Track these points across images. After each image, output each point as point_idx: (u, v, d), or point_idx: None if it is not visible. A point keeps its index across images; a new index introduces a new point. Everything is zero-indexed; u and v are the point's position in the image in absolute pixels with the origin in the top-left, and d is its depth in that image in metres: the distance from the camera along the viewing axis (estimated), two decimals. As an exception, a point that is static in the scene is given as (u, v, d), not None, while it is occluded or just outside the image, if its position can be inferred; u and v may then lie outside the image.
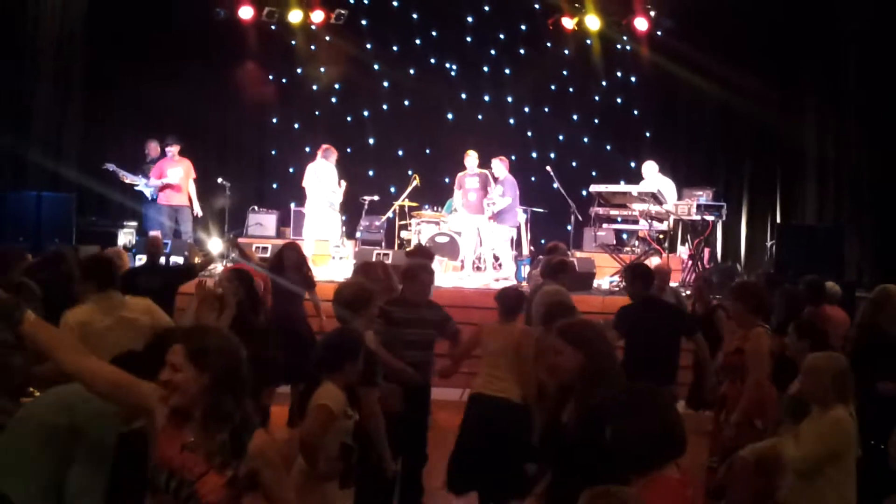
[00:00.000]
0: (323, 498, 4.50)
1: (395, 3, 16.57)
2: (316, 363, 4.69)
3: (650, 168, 13.68)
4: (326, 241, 13.43)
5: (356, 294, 5.41)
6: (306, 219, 13.45)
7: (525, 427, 5.73)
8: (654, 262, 12.89)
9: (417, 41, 16.75)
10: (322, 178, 13.20)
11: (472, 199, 13.20)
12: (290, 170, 16.22)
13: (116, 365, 3.40)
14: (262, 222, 14.91)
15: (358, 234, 14.31)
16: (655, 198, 12.63)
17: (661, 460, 3.12)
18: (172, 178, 13.51)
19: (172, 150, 13.66)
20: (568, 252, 10.57)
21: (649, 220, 12.81)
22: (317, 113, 16.51)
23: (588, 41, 16.35)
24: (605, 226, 13.86)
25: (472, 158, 13.31)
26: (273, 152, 16.71)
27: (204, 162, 15.68)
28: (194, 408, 3.13)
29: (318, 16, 15.97)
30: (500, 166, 13.34)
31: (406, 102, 16.55)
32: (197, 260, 12.27)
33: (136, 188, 13.68)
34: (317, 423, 4.44)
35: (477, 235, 13.43)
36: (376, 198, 14.30)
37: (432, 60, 16.74)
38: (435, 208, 14.66)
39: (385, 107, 16.53)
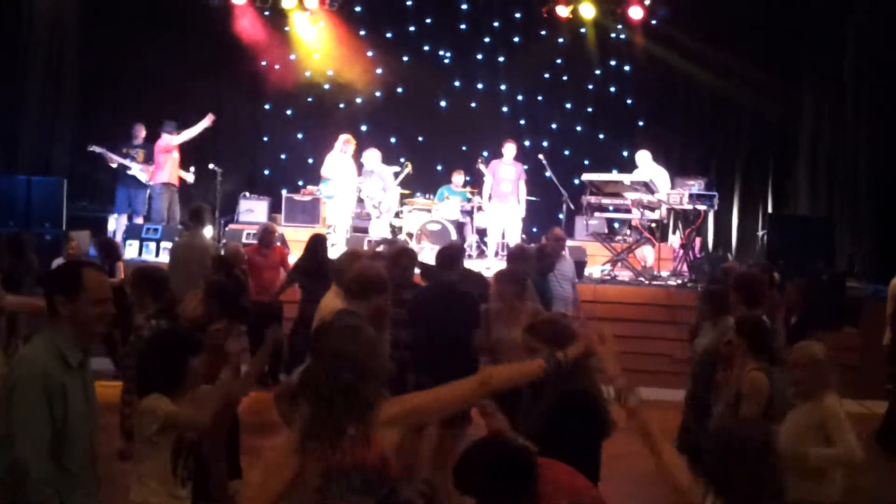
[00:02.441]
0: None
1: (389, -10, 16.53)
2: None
3: (644, 157, 13.65)
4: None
5: (351, 281, 5.46)
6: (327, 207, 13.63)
7: None
8: (646, 251, 12.97)
9: (411, 28, 16.68)
10: (340, 171, 13.27)
11: (507, 189, 13.28)
12: (282, 156, 16.19)
13: None
14: (254, 209, 14.85)
15: (350, 222, 14.26)
16: (647, 187, 12.61)
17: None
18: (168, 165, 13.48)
19: (171, 137, 13.57)
20: (562, 238, 10.51)
21: (641, 210, 12.79)
22: (309, 99, 16.46)
23: (582, 29, 16.33)
24: (597, 215, 13.82)
25: (511, 148, 13.39)
26: (265, 139, 16.66)
27: (196, 147, 15.63)
28: None
29: (311, 1, 15.92)
30: (373, 157, 13.44)
31: (399, 89, 16.46)
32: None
33: (128, 172, 13.61)
34: None
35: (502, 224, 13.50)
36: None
37: (426, 47, 16.68)
38: (427, 196, 14.64)
39: (378, 94, 16.45)
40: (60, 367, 3.50)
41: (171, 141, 13.47)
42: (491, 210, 13.51)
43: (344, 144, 13.36)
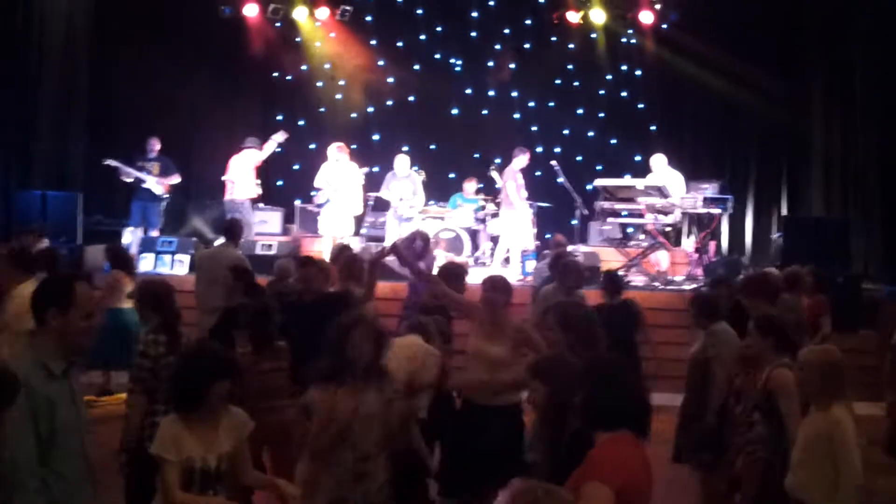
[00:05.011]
0: None
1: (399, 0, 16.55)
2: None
3: (659, 161, 13.63)
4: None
5: None
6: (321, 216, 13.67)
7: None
8: (661, 255, 12.94)
9: (422, 37, 16.69)
10: (332, 179, 13.42)
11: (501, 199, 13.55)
12: (295, 167, 16.22)
13: None
14: (268, 219, 14.92)
15: (363, 231, 14.31)
16: (660, 191, 12.60)
17: (620, 422, 3.47)
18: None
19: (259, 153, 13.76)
20: (563, 244, 10.60)
21: (654, 214, 12.77)
22: (321, 109, 16.52)
23: (593, 35, 16.30)
24: (610, 220, 13.81)
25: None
26: (278, 149, 16.68)
27: (209, 159, 15.72)
28: None
29: (322, 12, 16.01)
30: (405, 162, 13.95)
31: (411, 98, 16.51)
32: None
33: (143, 185, 13.67)
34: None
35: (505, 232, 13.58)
36: (381, 194, 14.28)
37: (437, 56, 16.68)
38: (440, 204, 14.64)
39: (390, 102, 16.49)
40: (44, 378, 3.52)
41: (260, 157, 13.69)
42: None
43: (337, 151, 13.46)
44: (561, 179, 13.92)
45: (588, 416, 3.56)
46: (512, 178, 13.14)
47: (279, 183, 16.64)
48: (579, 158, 16.17)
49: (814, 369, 4.68)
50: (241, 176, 13.52)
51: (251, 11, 15.94)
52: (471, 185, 14.62)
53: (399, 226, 13.73)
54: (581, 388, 3.60)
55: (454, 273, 7.13)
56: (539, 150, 15.81)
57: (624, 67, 16.53)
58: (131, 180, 13.65)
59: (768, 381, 5.29)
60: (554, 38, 16.51)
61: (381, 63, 16.48)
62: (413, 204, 13.81)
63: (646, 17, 15.72)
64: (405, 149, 14.73)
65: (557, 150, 15.88)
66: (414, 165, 14.56)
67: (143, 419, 5.19)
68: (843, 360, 4.79)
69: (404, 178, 13.86)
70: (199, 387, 4.00)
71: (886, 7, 13.75)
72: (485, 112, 16.58)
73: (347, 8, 16.11)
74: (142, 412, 5.23)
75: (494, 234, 14.27)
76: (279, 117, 16.57)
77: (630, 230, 14.28)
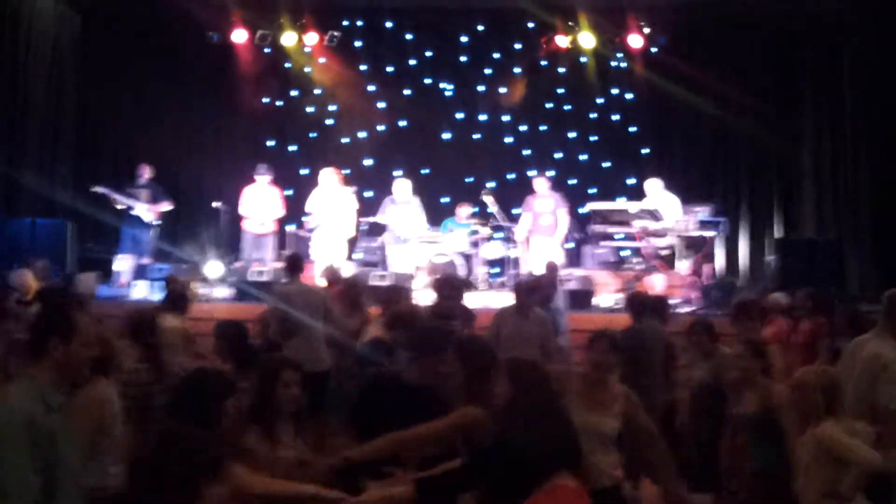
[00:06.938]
0: None
1: (388, 25, 16.51)
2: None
3: (653, 185, 13.60)
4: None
5: None
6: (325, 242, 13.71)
7: None
8: (656, 279, 12.89)
9: (412, 62, 16.68)
10: (322, 204, 13.48)
11: (547, 222, 13.65)
12: (288, 192, 16.14)
13: None
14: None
15: (356, 255, 14.22)
16: (653, 215, 12.58)
17: (555, 469, 3.16)
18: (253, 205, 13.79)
19: (264, 178, 13.92)
20: (556, 270, 10.58)
21: (648, 237, 12.74)
22: (312, 135, 16.47)
23: (583, 59, 16.30)
24: (603, 244, 13.77)
25: (541, 182, 13.88)
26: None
27: (199, 185, 15.66)
28: None
29: (311, 38, 15.99)
30: (406, 187, 13.92)
31: (402, 123, 16.47)
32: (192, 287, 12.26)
33: (132, 212, 13.59)
34: None
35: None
36: (374, 219, 14.21)
37: (427, 81, 16.67)
38: (433, 229, 14.56)
39: (381, 127, 16.46)
40: (44, 412, 3.45)
41: (268, 191, 13.87)
42: (534, 246, 13.58)
43: (330, 176, 13.58)
44: (553, 203, 13.90)
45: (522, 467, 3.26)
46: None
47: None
48: (572, 182, 16.13)
49: (814, 389, 4.68)
50: (247, 207, 13.77)
51: (239, 37, 15.91)
52: (464, 210, 14.54)
53: (396, 247, 13.68)
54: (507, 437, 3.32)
55: (455, 286, 7.14)
56: (532, 173, 15.81)
57: (615, 91, 16.51)
58: (124, 206, 13.59)
59: (770, 399, 5.27)
60: (544, 63, 16.51)
61: (371, 88, 16.46)
62: (412, 227, 13.80)
63: (635, 41, 15.74)
64: (398, 173, 14.67)
65: (551, 173, 15.83)
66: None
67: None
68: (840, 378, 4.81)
69: (403, 204, 13.80)
70: (214, 406, 4.00)
71: (876, 31, 13.84)
72: (477, 136, 16.54)
73: (336, 34, 16.10)
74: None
75: (489, 258, 14.21)
76: (270, 143, 16.52)
77: (628, 253, 14.22)
